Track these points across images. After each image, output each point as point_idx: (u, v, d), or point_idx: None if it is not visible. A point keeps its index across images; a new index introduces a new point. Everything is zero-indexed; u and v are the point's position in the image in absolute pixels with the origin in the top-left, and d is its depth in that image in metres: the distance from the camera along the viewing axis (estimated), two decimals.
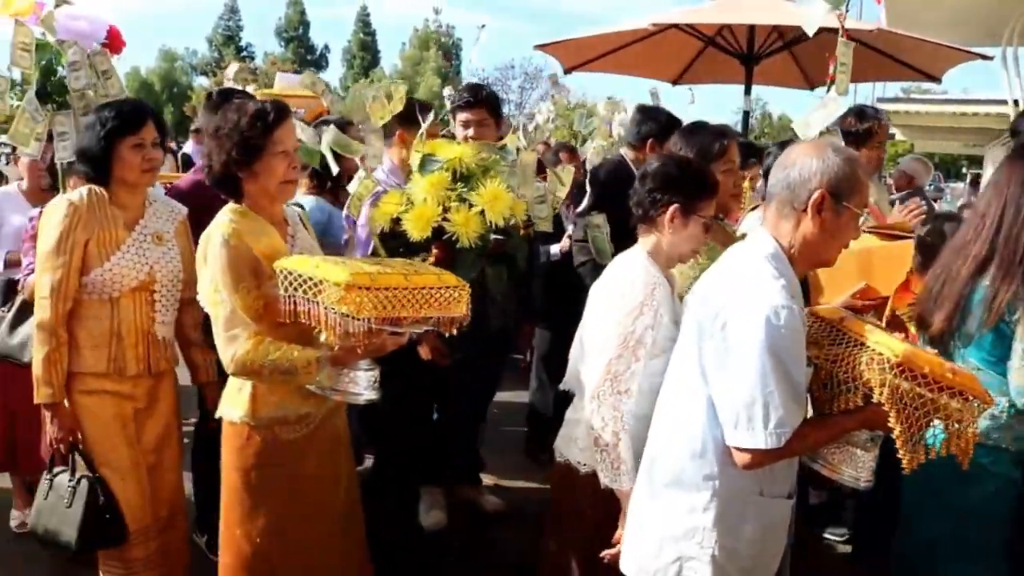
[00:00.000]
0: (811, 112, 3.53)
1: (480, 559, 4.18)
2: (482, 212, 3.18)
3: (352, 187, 3.46)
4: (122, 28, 3.53)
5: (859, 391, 2.13)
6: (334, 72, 61.64)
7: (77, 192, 3.00)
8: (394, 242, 3.19)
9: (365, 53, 59.64)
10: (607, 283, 2.70)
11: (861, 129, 4.12)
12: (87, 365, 2.98)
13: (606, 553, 2.54)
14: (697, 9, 6.94)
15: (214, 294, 2.51)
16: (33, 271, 3.36)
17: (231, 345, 2.48)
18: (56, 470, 3.05)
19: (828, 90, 3.65)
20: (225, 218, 2.58)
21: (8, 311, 3.60)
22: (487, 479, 4.91)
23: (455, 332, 2.44)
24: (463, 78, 45.63)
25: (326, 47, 62.60)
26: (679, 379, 2.28)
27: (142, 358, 3.04)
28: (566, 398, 5.29)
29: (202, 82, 51.96)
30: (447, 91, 5.10)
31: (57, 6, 3.07)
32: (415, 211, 3.12)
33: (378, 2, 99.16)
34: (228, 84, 7.01)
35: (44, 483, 3.06)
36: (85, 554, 3.01)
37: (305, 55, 58.55)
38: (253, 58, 55.33)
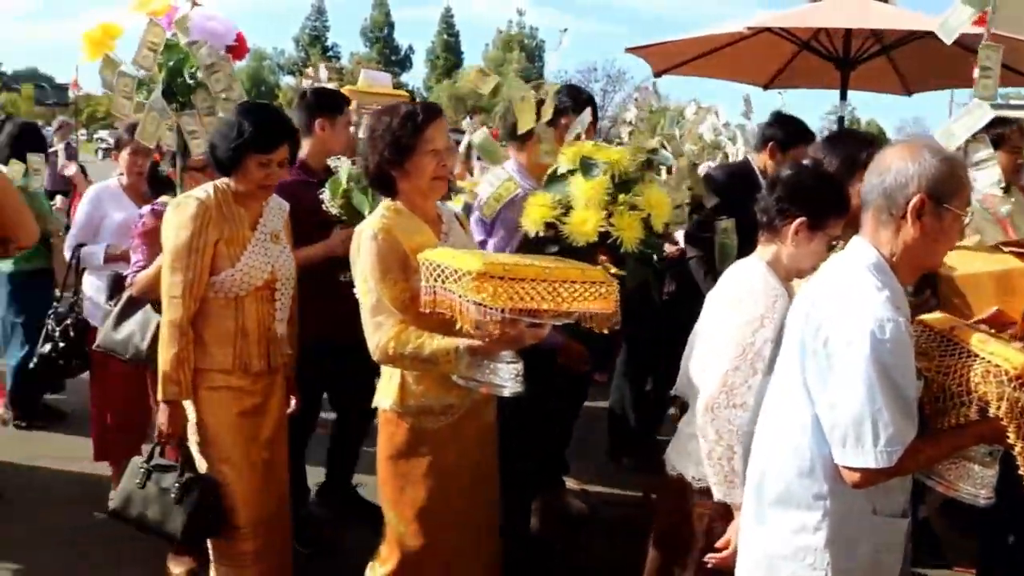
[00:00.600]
0: (954, 120, 3.37)
1: (573, 562, 4.16)
2: (644, 218, 3.11)
3: (483, 189, 3.43)
4: None
5: (973, 404, 2.03)
6: (417, 73, 62.34)
7: (203, 190, 3.04)
8: (546, 247, 3.13)
9: (448, 54, 60.13)
10: (725, 291, 2.65)
11: (992, 135, 3.98)
12: (214, 362, 3.04)
13: (712, 556, 2.51)
14: (792, 12, 6.77)
15: (363, 284, 2.62)
16: (141, 268, 3.44)
17: (376, 332, 2.57)
18: (155, 461, 3.10)
19: (974, 96, 3.49)
20: (379, 214, 2.69)
21: (115, 306, 3.62)
22: (569, 483, 4.90)
23: (606, 330, 2.43)
24: (546, 80, 45.63)
25: (410, 48, 63.48)
26: (782, 395, 2.21)
27: (264, 355, 3.11)
28: (646, 402, 5.34)
29: (288, 81, 53.01)
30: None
31: (192, 7, 3.07)
32: (578, 215, 3.06)
33: (462, 4, 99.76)
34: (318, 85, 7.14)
35: (139, 471, 3.11)
36: (187, 544, 3.10)
37: (390, 55, 59.34)
38: (339, 58, 56.31)
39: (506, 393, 2.51)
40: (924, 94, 7.67)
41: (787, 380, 2.19)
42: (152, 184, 3.75)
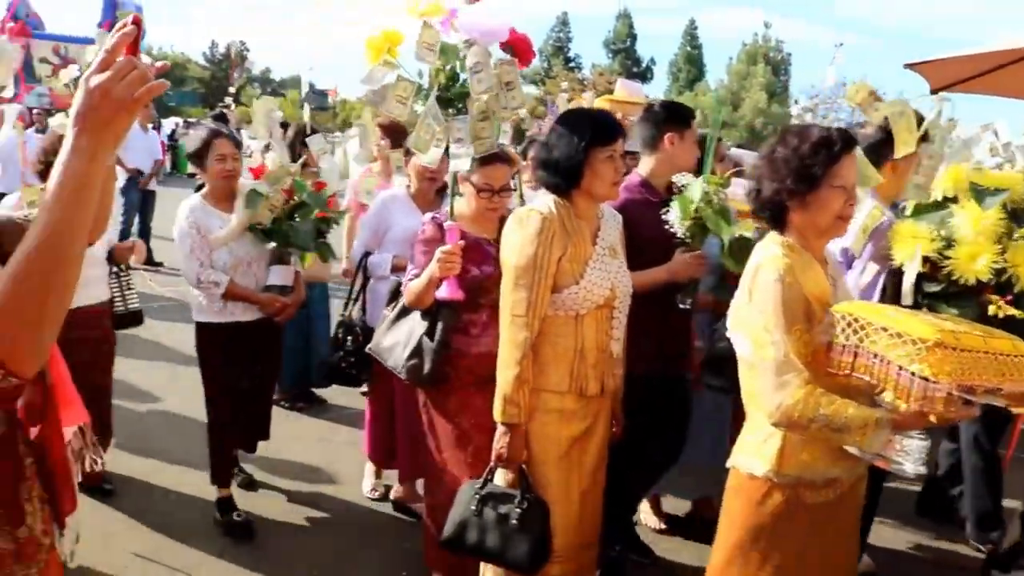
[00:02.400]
0: None
1: None
2: None
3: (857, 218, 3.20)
4: None
5: None
6: (658, 85, 61.95)
7: (545, 204, 2.96)
8: (923, 284, 2.83)
9: (691, 67, 59.34)
10: None
11: None
12: (549, 382, 2.94)
13: None
14: None
15: (763, 334, 2.31)
16: (416, 276, 3.33)
17: (779, 392, 2.26)
18: (490, 487, 3.01)
19: None
20: (776, 251, 2.40)
21: (392, 311, 3.60)
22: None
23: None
24: (791, 95, 44.11)
25: (652, 60, 63.13)
26: None
27: (599, 377, 2.97)
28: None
29: (531, 91, 54.27)
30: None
31: (470, 2, 2.94)
32: (967, 250, 2.70)
33: (708, 16, 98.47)
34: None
35: (473, 497, 3.00)
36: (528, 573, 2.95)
37: (631, 67, 59.31)
38: (580, 68, 56.95)
39: (908, 473, 2.20)
40: None
41: None
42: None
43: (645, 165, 3.77)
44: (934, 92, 7.13)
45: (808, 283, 2.33)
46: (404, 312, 3.51)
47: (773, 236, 2.46)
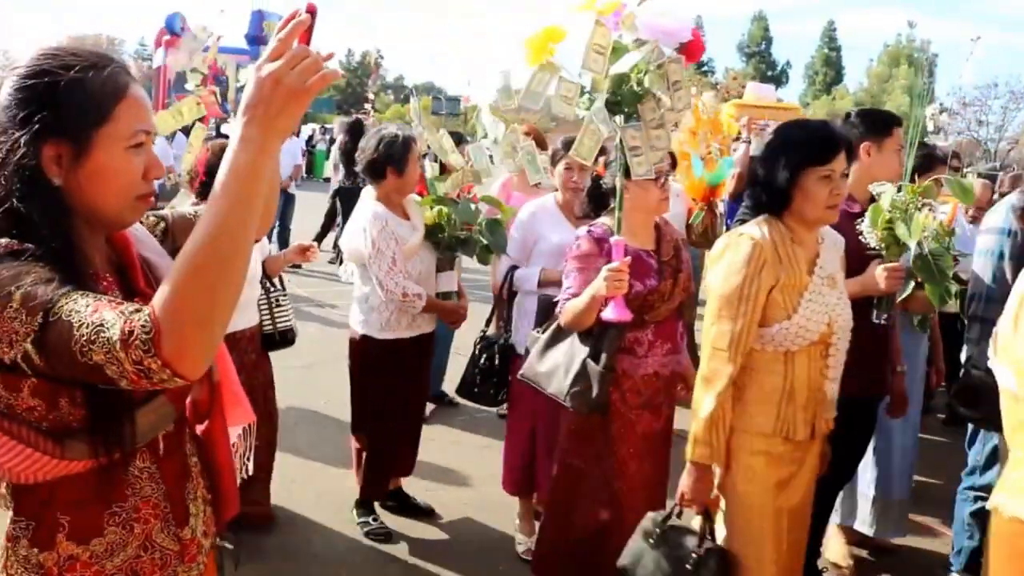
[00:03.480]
0: None
1: None
2: None
3: None
4: None
5: None
6: (794, 88, 60.47)
7: (757, 227, 2.68)
8: None
9: (828, 69, 57.79)
10: None
11: None
12: (752, 424, 2.65)
13: None
14: None
15: None
16: (572, 296, 3.15)
17: None
18: (673, 522, 2.79)
19: None
20: None
21: (543, 333, 3.36)
22: None
23: None
24: (936, 97, 42.25)
25: (787, 63, 61.86)
26: None
27: (809, 420, 2.67)
28: None
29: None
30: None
31: (640, 3, 2.73)
32: None
33: (848, 17, 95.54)
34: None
35: (653, 529, 2.79)
36: None
37: (766, 70, 58.13)
38: (713, 72, 56.11)
39: None
40: None
41: None
42: (592, 200, 3.42)
43: None
44: None
45: None
46: (559, 333, 3.28)
47: None
